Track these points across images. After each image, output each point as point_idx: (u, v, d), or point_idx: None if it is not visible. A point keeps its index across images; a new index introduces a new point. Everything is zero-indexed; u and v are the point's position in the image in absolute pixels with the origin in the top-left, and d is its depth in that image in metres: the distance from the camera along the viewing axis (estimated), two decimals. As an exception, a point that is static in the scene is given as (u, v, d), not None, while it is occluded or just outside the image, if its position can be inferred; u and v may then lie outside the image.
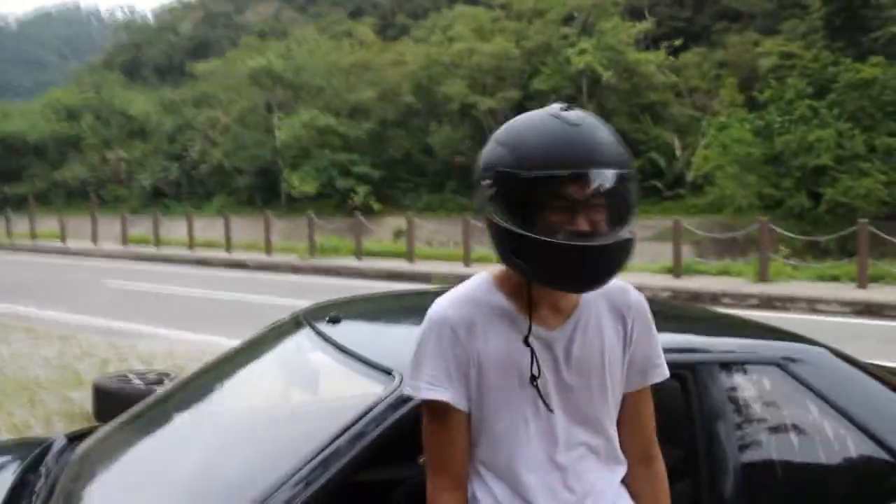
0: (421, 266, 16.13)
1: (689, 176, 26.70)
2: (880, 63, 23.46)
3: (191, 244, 21.58)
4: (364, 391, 2.17)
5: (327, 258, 17.90)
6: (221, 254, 20.00)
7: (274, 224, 20.70)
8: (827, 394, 2.38)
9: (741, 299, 11.83)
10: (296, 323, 2.86)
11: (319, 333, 2.53)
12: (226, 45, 43.84)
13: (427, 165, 32.17)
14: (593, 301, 1.79)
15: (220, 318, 10.98)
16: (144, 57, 56.69)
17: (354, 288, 14.41)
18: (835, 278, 13.01)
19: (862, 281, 12.18)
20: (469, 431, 1.73)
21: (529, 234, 1.58)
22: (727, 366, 2.32)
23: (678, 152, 27.74)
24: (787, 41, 27.35)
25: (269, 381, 2.67)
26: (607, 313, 1.81)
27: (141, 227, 26.99)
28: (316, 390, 2.60)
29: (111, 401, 5.04)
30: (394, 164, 32.45)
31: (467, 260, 16.01)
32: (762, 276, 12.99)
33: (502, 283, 1.77)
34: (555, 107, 1.67)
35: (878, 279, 12.55)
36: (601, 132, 1.63)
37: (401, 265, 16.40)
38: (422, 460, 1.84)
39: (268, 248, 19.45)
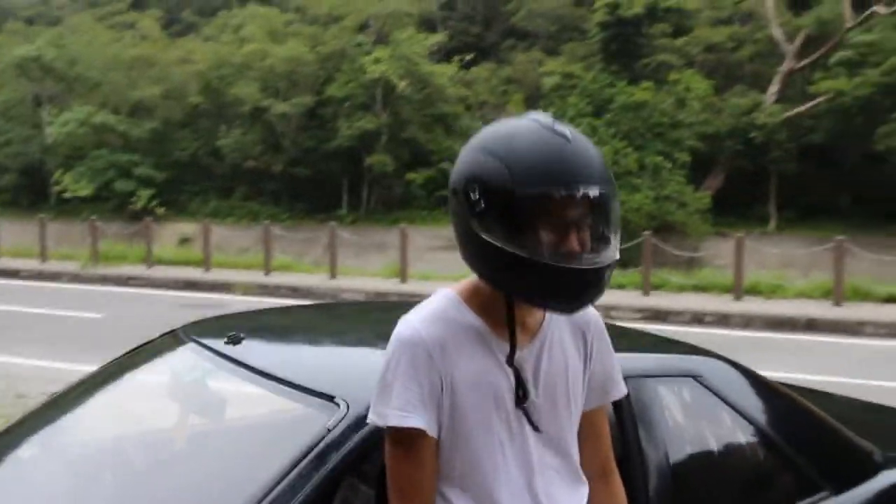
0: (218, 274, 15.44)
1: (480, 187, 27.58)
2: (650, 88, 25.51)
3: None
4: (298, 421, 1.97)
5: (113, 266, 16.66)
6: (-14, 260, 18.04)
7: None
8: (735, 402, 2.51)
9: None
10: (175, 341, 2.57)
11: (221, 355, 2.28)
12: (-15, 29, 39.88)
13: (215, 169, 30.95)
14: (556, 319, 1.75)
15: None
16: None
17: (147, 298, 13.53)
18: (621, 286, 13.91)
19: (646, 289, 13.13)
20: (437, 458, 1.62)
21: (530, 257, 1.51)
22: (653, 379, 2.38)
23: (469, 164, 28.58)
24: (568, 62, 29.06)
25: (159, 413, 2.36)
26: (568, 331, 1.79)
27: None
28: (222, 421, 2.33)
29: None
30: (179, 167, 30.92)
31: (268, 268, 15.53)
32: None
33: (471, 300, 1.70)
34: (542, 117, 1.60)
35: (658, 287, 13.58)
36: (591, 148, 1.60)
37: (196, 273, 15.61)
38: None
39: (43, 255, 17.79)
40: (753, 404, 2.55)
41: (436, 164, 28.55)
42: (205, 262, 16.05)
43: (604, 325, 1.83)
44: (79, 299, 13.12)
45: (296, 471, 1.78)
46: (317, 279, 14.89)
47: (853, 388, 5.17)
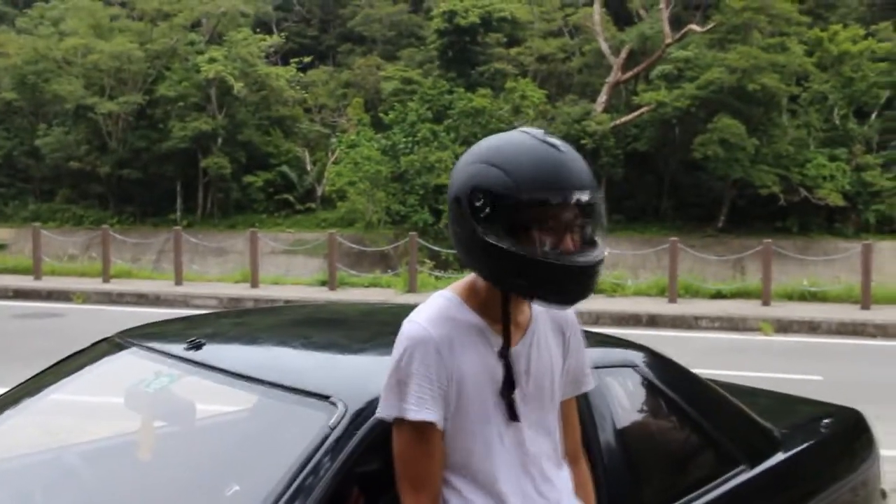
0: (51, 282, 14.49)
1: (321, 191, 27.39)
2: (487, 94, 26.25)
3: None
4: (291, 422, 1.98)
5: (-75, 275, 15.25)
6: None
7: None
8: (665, 389, 2.74)
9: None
10: (115, 347, 2.48)
11: (185, 359, 2.23)
12: None
13: (33, 170, 28.93)
14: (540, 317, 1.92)
15: None
16: None
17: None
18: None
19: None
20: (443, 449, 1.74)
21: (535, 257, 1.66)
22: (601, 369, 2.54)
23: (309, 167, 28.31)
24: (406, 67, 29.39)
25: (119, 422, 2.26)
26: (550, 328, 1.96)
27: None
28: (193, 425, 2.27)
29: None
30: (-8, 168, 28.72)
31: (107, 275, 14.73)
32: (412, 287, 13.81)
33: (470, 299, 1.84)
34: (532, 130, 1.78)
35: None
36: (579, 157, 1.78)
37: (25, 282, 14.56)
38: None
39: None
40: (680, 390, 2.78)
41: (275, 168, 28.06)
42: (35, 269, 15.00)
43: (578, 324, 2.00)
44: None
45: (305, 471, 1.80)
46: (162, 285, 14.28)
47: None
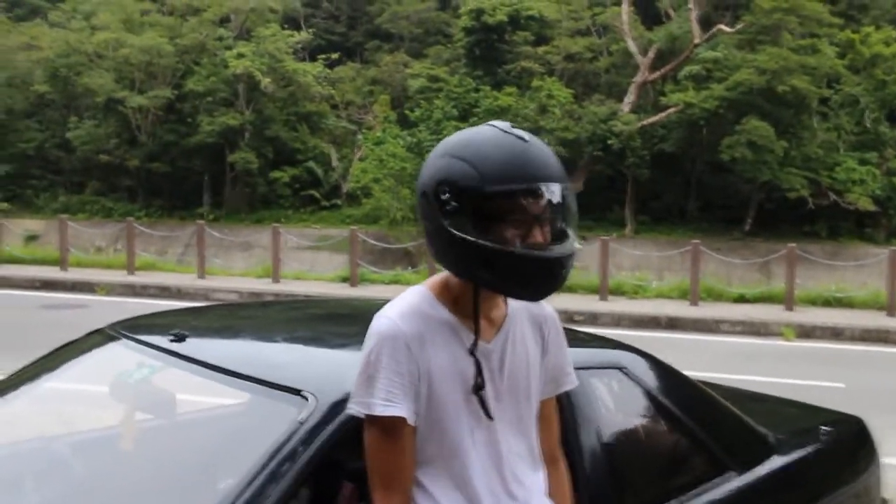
0: (77, 273, 14.68)
1: (346, 187, 27.48)
2: (513, 93, 26.18)
3: None
4: (262, 415, 1.98)
5: (-46, 264, 15.52)
6: None
7: None
8: (655, 392, 2.71)
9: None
10: (105, 338, 2.51)
11: (168, 351, 2.25)
12: None
13: (64, 162, 29.32)
14: (517, 313, 1.89)
15: None
16: None
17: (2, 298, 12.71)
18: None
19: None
20: (414, 445, 1.72)
21: (503, 248, 1.65)
22: (586, 371, 2.52)
23: (335, 163, 28.42)
24: (433, 65, 29.39)
25: (104, 412, 2.29)
26: (528, 324, 1.92)
27: None
28: (174, 416, 2.29)
29: None
30: (24, 160, 29.09)
31: (131, 267, 14.90)
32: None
33: (442, 295, 1.81)
34: (499, 123, 1.76)
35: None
36: (546, 148, 1.76)
37: (52, 273, 14.77)
38: None
39: None
40: (670, 394, 2.76)
41: (301, 163, 28.20)
42: (61, 261, 15.20)
43: (559, 322, 1.97)
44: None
45: (272, 464, 1.80)
46: (185, 279, 14.42)
47: (718, 382, 5.54)
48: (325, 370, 2.11)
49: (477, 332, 1.75)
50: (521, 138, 1.67)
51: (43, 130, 29.80)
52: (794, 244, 13.68)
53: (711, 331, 11.42)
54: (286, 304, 3.43)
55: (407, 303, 1.78)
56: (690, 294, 12.95)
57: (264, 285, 13.90)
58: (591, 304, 12.66)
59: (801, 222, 23.96)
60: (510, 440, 1.81)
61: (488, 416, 1.75)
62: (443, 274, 1.82)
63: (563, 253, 1.67)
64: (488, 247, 1.62)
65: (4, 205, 26.60)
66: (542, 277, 1.67)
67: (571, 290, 13.86)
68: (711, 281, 14.36)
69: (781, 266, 15.63)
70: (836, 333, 11.25)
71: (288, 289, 13.37)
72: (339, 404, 1.88)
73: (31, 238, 24.55)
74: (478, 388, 1.74)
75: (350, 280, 14.31)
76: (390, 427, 1.67)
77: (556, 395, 2.01)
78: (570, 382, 2.00)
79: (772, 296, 13.41)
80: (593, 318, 11.77)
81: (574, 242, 1.73)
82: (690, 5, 24.91)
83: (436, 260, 1.76)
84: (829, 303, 13.06)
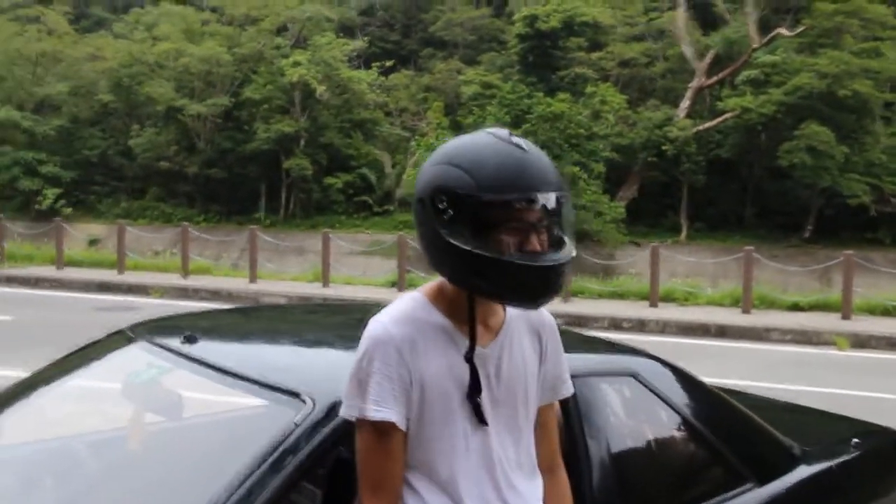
0: (132, 277, 15.06)
1: (399, 193, 27.66)
2: (567, 99, 26.02)
3: None
4: (260, 416, 2.01)
5: (19, 267, 16.05)
6: None
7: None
8: (670, 400, 2.65)
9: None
10: (124, 340, 2.57)
11: (178, 353, 2.30)
12: None
13: (126, 169, 30.11)
14: (515, 319, 1.88)
15: None
16: None
17: (59, 300, 13.10)
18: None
19: (566, 295, 13.43)
20: (405, 450, 1.71)
21: (498, 258, 1.64)
22: (596, 377, 2.50)
23: (388, 170, 28.63)
24: (486, 72, 29.42)
25: (117, 412, 2.36)
26: (526, 331, 1.91)
27: None
28: (183, 419, 2.34)
29: None
30: (88, 166, 29.97)
31: (186, 271, 15.23)
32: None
33: (437, 301, 1.81)
34: (497, 130, 1.74)
35: (577, 294, 13.91)
36: (544, 157, 1.75)
37: (109, 275, 15.18)
38: None
39: (-58, 255, 16.99)
40: (686, 402, 2.70)
41: (355, 170, 28.47)
42: (118, 264, 15.62)
43: (557, 328, 1.96)
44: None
45: (265, 465, 1.83)
46: (237, 283, 14.69)
47: (763, 391, 5.41)
48: (327, 373, 2.13)
49: (472, 338, 1.74)
50: (519, 146, 1.66)
51: (106, 138, 30.64)
52: (850, 251, 13.30)
53: (761, 339, 11.17)
54: (304, 308, 3.47)
55: (401, 308, 1.78)
56: (742, 301, 12.69)
57: (314, 289, 14.07)
58: (640, 310, 12.50)
59: (863, 229, 23.33)
60: (505, 447, 1.80)
61: (482, 421, 1.74)
62: (438, 279, 1.82)
63: (557, 260, 1.67)
64: (483, 256, 1.62)
65: (68, 210, 27.46)
66: (537, 285, 1.67)
67: (621, 296, 13.72)
68: (766, 288, 14.05)
69: (840, 274, 15.23)
70: (892, 344, 10.90)
71: (336, 293, 13.50)
72: (337, 407, 1.89)
73: (93, 242, 25.28)
74: (472, 394, 1.74)
75: (398, 284, 14.39)
76: (381, 431, 1.68)
77: (558, 402, 2.00)
78: (567, 390, 1.98)
79: (827, 304, 13.06)
80: (641, 325, 11.62)
81: (571, 250, 1.72)
82: (748, 9, 24.48)
83: (431, 267, 1.77)
84: (888, 312, 12.66)
